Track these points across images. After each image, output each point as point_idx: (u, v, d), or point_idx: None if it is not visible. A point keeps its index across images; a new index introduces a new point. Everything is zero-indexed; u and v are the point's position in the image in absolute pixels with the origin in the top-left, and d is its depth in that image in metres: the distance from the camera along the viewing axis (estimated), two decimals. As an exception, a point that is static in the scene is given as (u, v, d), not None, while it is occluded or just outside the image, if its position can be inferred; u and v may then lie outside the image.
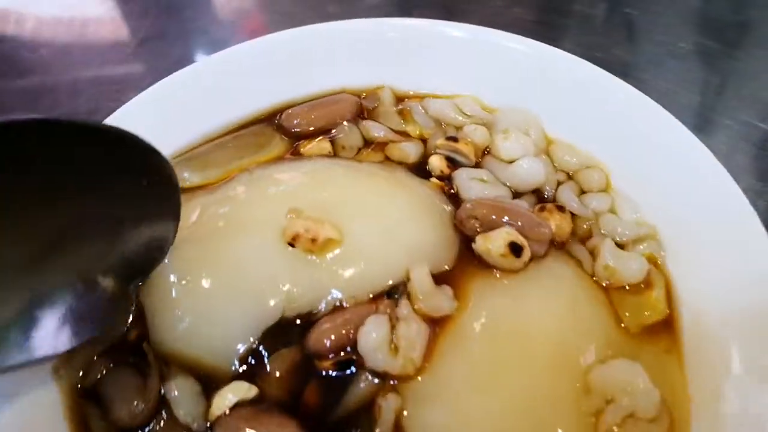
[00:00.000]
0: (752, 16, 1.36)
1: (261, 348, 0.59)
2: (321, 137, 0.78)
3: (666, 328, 0.64)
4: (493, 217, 0.66)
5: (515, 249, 0.63)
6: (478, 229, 0.66)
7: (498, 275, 0.63)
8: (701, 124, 1.08)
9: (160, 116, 0.76)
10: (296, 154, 0.77)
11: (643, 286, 0.65)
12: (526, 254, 0.64)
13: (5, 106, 1.08)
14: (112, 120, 0.74)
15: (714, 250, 0.64)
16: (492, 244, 0.63)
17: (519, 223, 0.65)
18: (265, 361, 0.59)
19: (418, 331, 0.59)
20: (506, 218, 0.66)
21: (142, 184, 0.56)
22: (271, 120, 0.81)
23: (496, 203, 0.68)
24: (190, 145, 0.77)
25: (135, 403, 0.57)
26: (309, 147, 0.76)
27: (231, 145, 0.77)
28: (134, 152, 0.53)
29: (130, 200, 0.56)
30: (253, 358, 0.59)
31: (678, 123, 0.72)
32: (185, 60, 0.97)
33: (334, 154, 0.77)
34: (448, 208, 0.70)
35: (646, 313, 0.64)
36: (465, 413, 0.56)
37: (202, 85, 0.79)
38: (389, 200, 0.69)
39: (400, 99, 0.84)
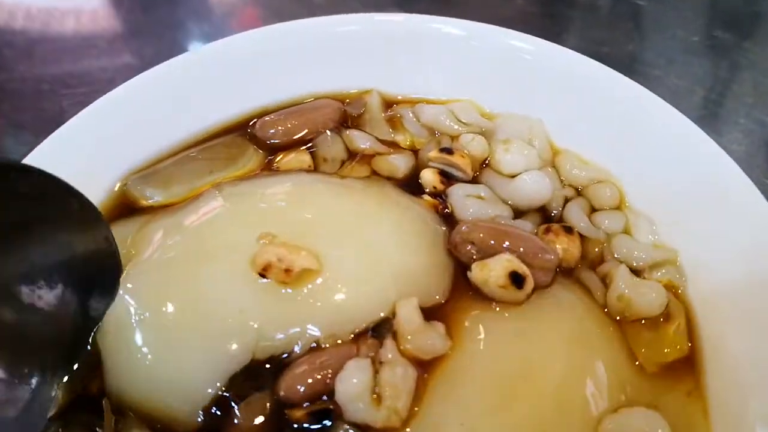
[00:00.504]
0: (765, 8, 1.28)
1: (228, 395, 0.52)
2: (300, 149, 0.70)
3: (687, 366, 0.57)
4: (492, 242, 0.58)
5: (516, 279, 0.56)
6: (474, 256, 0.59)
7: (497, 308, 0.56)
8: (715, 123, 1.02)
9: (124, 123, 0.69)
10: (272, 168, 0.69)
11: (661, 319, 0.58)
12: (529, 285, 0.56)
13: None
14: (74, 124, 0.67)
15: (741, 277, 0.57)
16: (490, 273, 0.56)
17: (521, 249, 0.58)
18: (234, 411, 0.52)
19: (404, 376, 0.51)
20: (506, 243, 0.58)
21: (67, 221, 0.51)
22: (244, 129, 0.73)
23: (494, 226, 0.61)
24: (154, 157, 0.70)
25: None
26: (286, 160, 0.69)
27: (200, 158, 0.69)
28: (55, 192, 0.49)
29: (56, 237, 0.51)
30: (219, 407, 0.51)
31: (699, 131, 0.65)
32: (160, 59, 0.90)
33: (315, 168, 0.69)
34: (442, 229, 0.63)
35: (664, 350, 0.56)
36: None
37: (169, 89, 0.72)
38: (375, 222, 0.61)
39: (388, 104, 0.76)
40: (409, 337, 0.53)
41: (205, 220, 0.61)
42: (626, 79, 0.70)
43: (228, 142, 0.72)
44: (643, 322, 0.57)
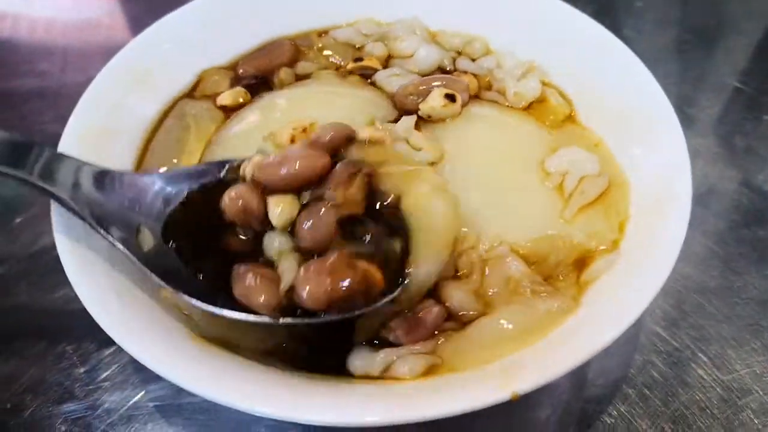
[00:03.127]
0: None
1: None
2: (235, 88, 1.14)
3: (576, 125, 1.09)
4: (423, 87, 1.06)
5: (450, 97, 1.03)
6: (417, 101, 1.04)
7: (447, 122, 1.05)
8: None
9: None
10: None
11: (543, 100, 1.12)
12: (459, 99, 1.02)
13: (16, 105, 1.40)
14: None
15: (584, 62, 1.13)
16: (433, 102, 1.02)
17: (443, 83, 1.06)
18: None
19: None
20: (433, 84, 1.06)
21: None
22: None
23: (420, 79, 1.09)
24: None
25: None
26: (222, 97, 1.12)
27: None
28: None
29: None
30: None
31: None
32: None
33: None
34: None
35: (553, 115, 1.09)
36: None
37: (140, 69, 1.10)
38: (334, 93, 1.10)
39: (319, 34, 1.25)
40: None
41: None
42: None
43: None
44: (534, 105, 1.10)
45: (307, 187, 0.81)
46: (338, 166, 0.82)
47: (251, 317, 0.76)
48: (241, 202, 0.81)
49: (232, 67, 1.20)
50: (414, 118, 1.03)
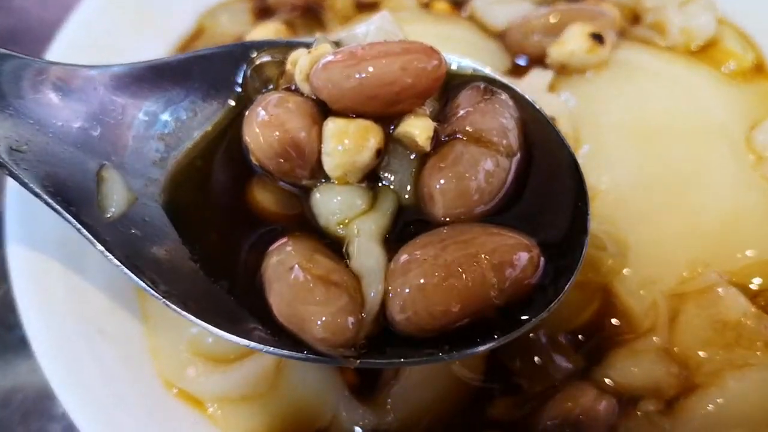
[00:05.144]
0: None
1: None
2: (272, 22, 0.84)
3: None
4: (552, 20, 0.75)
5: (597, 38, 0.72)
6: (543, 43, 0.74)
7: (587, 74, 0.74)
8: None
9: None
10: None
11: (714, 42, 0.80)
12: (609, 39, 0.72)
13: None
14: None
15: None
16: (571, 44, 0.72)
17: (585, 16, 0.75)
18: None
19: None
20: (568, 18, 0.75)
21: None
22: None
23: (547, 10, 0.77)
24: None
25: None
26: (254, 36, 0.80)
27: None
28: None
29: None
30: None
31: None
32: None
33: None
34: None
35: (732, 60, 0.78)
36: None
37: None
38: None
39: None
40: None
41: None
42: None
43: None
44: (703, 46, 0.79)
45: (401, 110, 0.48)
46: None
47: (300, 355, 0.44)
48: (278, 133, 0.46)
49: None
50: (550, 73, 0.72)
